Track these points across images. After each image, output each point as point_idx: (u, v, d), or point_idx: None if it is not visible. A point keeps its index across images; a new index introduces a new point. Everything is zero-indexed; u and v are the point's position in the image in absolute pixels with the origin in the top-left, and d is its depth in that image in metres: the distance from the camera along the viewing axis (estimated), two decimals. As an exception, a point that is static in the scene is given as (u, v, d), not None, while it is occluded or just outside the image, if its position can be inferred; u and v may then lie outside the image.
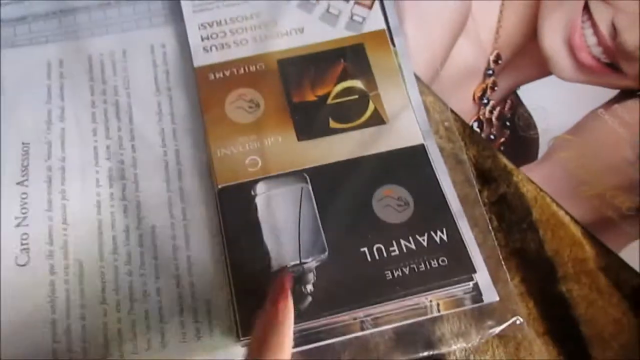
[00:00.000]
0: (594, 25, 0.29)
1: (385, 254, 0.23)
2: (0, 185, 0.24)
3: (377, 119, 0.26)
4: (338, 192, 0.24)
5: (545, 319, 0.25)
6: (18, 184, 0.25)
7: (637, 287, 0.25)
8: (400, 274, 0.23)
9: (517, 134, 0.29)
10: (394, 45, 0.28)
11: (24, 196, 0.24)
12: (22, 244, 0.24)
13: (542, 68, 0.29)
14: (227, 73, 0.27)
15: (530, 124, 0.29)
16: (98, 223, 0.24)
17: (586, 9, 0.29)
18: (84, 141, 0.26)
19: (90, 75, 0.27)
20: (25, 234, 0.24)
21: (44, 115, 0.26)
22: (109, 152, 0.26)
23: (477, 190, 0.26)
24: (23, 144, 0.25)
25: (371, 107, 0.27)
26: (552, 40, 0.29)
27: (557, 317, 0.25)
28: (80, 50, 0.28)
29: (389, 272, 0.23)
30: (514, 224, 0.26)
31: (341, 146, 0.26)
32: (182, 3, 0.29)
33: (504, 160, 0.28)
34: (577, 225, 0.27)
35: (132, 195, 0.25)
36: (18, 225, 0.24)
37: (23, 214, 0.24)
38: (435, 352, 0.23)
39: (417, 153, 0.26)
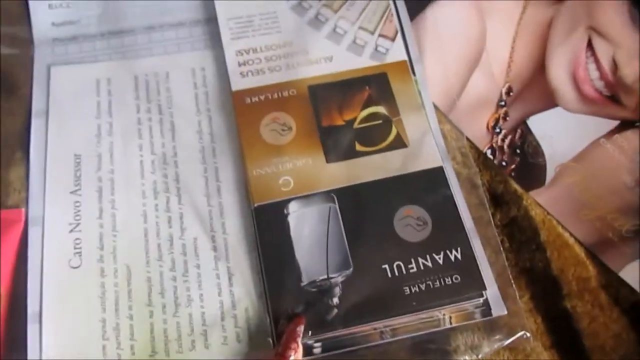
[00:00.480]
0: (597, 61, 0.31)
1: (404, 271, 0.25)
2: (55, 193, 0.27)
3: (399, 143, 0.29)
4: (363, 211, 0.27)
5: (552, 333, 0.27)
6: (72, 192, 0.27)
7: (635, 303, 0.27)
8: (417, 290, 0.25)
9: (526, 161, 0.31)
10: (414, 74, 0.31)
11: (77, 204, 0.27)
12: (75, 248, 0.26)
13: (550, 100, 0.32)
14: (262, 97, 0.30)
15: (538, 152, 0.31)
16: (144, 231, 0.26)
17: (589, 45, 0.32)
18: (131, 155, 0.28)
19: (136, 93, 0.30)
20: (78, 239, 0.26)
21: (94, 129, 0.29)
22: (154, 167, 0.28)
23: (489, 213, 0.28)
24: (75, 155, 0.28)
25: (394, 131, 0.29)
26: (559, 74, 0.32)
27: (563, 331, 0.27)
28: (127, 70, 0.30)
29: (407, 287, 0.25)
30: (523, 244, 0.28)
31: (366, 168, 0.28)
32: (221, 30, 0.31)
33: (515, 185, 0.30)
34: (581, 246, 0.29)
35: (175, 207, 0.27)
36: (71, 230, 0.26)
37: (76, 220, 0.27)
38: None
39: (436, 175, 0.28)
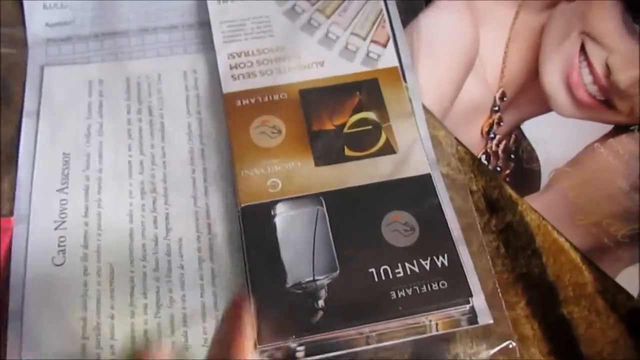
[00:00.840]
0: (590, 65, 0.32)
1: (390, 275, 0.26)
2: (42, 190, 0.27)
3: (388, 149, 0.29)
4: (350, 215, 0.27)
5: (549, 340, 0.27)
6: (58, 190, 0.28)
7: (632, 309, 0.28)
8: (404, 294, 0.25)
9: (521, 166, 0.31)
10: (405, 81, 0.32)
11: (63, 202, 0.27)
12: (59, 246, 0.26)
13: (543, 105, 0.32)
14: (253, 100, 0.30)
15: (533, 157, 0.32)
16: (129, 231, 0.27)
17: (582, 50, 0.32)
18: (120, 155, 0.29)
19: (127, 94, 0.31)
20: (62, 236, 0.27)
21: (84, 129, 0.29)
22: (142, 167, 0.29)
23: (477, 220, 0.29)
24: (64, 154, 0.29)
25: (383, 137, 0.30)
26: (552, 79, 0.32)
27: (560, 338, 0.27)
28: (119, 72, 0.31)
29: (394, 292, 0.25)
30: (519, 250, 0.29)
31: (355, 172, 0.28)
32: (214, 33, 0.32)
33: (510, 190, 0.30)
34: (577, 251, 0.29)
35: (161, 207, 0.28)
36: (56, 228, 0.27)
37: (62, 218, 0.27)
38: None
39: (424, 182, 0.28)
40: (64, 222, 0.27)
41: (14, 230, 0.27)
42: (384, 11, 0.34)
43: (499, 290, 0.27)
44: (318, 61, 0.32)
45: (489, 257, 0.28)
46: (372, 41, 0.33)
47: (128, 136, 0.29)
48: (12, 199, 0.28)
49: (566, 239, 0.29)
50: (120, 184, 0.28)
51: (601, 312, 0.27)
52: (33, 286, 0.25)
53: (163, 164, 0.29)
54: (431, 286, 0.25)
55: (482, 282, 0.27)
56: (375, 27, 0.33)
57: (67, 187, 0.28)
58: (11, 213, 0.27)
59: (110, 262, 0.26)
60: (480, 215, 0.29)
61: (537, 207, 0.30)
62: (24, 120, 0.30)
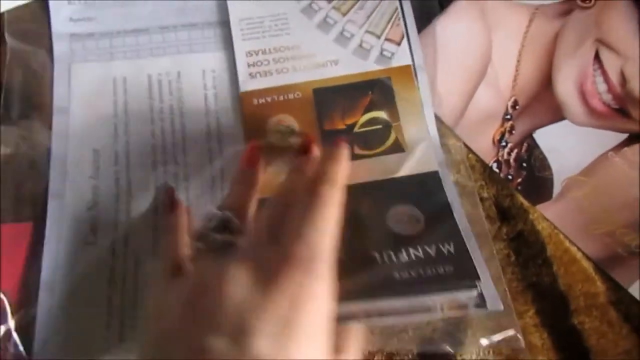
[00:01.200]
0: (604, 73, 0.33)
1: (395, 259, 0.27)
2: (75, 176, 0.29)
3: (397, 147, 0.31)
4: (357, 208, 0.28)
5: (559, 349, 0.28)
6: (91, 177, 0.30)
7: None
8: (408, 276, 0.26)
9: (533, 175, 0.32)
10: (417, 79, 0.33)
11: (95, 188, 0.30)
12: (91, 225, 0.29)
13: (557, 113, 0.34)
14: (269, 99, 0.32)
15: (545, 165, 0.33)
16: (154, 224, 0.29)
17: (597, 58, 0.33)
18: (144, 154, 0.31)
19: (149, 93, 0.33)
20: (94, 217, 0.29)
21: (111, 129, 0.31)
22: (165, 166, 0.31)
23: (487, 227, 0.30)
24: (94, 150, 0.31)
25: (392, 136, 0.31)
26: (566, 88, 0.33)
27: (571, 348, 0.28)
28: (141, 69, 0.33)
29: (397, 273, 0.26)
30: (530, 259, 0.30)
31: (364, 170, 0.30)
32: (233, 30, 0.34)
33: (521, 199, 0.31)
34: (589, 261, 0.30)
35: (184, 203, 0.29)
36: (89, 209, 0.29)
37: (94, 201, 0.29)
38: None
39: (432, 179, 0.30)
40: (96, 205, 0.29)
41: (49, 205, 0.29)
42: (399, 9, 0.35)
43: (504, 281, 0.28)
44: (332, 60, 0.33)
45: (499, 264, 0.29)
46: (387, 39, 0.34)
47: (151, 136, 0.31)
48: (33, 204, 0.29)
49: (578, 249, 0.30)
50: (147, 179, 0.30)
51: (614, 322, 0.28)
52: (64, 261, 0.28)
53: (184, 162, 0.31)
54: (437, 270, 0.26)
55: (489, 272, 0.27)
56: (390, 25, 0.34)
57: (98, 177, 0.30)
58: (30, 218, 0.29)
59: (136, 249, 0.28)
60: (491, 223, 0.31)
61: (549, 215, 0.31)
62: (55, 117, 0.31)
